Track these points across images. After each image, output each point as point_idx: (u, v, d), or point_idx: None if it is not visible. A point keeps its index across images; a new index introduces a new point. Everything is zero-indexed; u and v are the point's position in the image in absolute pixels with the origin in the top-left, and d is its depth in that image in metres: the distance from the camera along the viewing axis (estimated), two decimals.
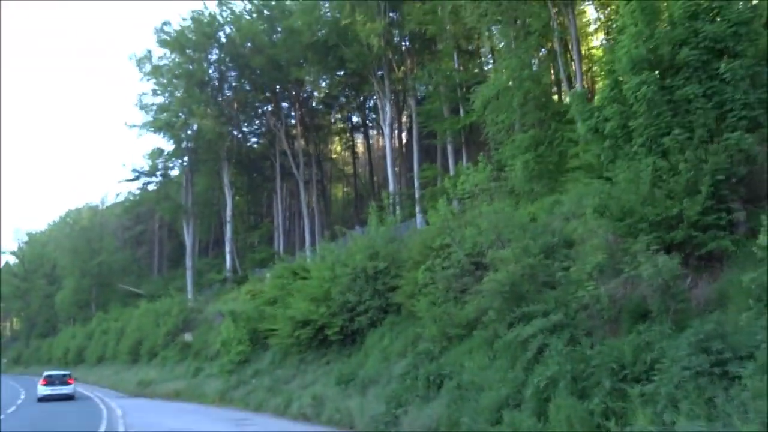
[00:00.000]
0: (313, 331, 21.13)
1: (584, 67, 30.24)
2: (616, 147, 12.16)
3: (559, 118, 27.66)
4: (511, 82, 26.54)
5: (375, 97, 49.09)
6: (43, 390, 30.01)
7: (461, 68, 36.92)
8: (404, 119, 51.58)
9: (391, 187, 42.11)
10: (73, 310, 72.87)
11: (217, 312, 35.18)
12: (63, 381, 30.85)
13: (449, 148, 37.64)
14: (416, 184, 39.73)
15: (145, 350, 38.82)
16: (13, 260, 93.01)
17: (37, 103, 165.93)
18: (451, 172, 35.86)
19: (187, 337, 35.15)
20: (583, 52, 30.72)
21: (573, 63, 27.48)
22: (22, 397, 31.62)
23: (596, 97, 13.90)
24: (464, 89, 37.21)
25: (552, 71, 30.67)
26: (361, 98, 55.88)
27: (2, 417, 21.35)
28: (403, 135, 51.78)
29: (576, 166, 18.17)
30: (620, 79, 12.14)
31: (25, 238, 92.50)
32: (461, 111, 34.96)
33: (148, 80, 55.55)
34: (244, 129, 62.94)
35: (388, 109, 42.59)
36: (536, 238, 14.12)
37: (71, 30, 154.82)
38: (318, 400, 15.90)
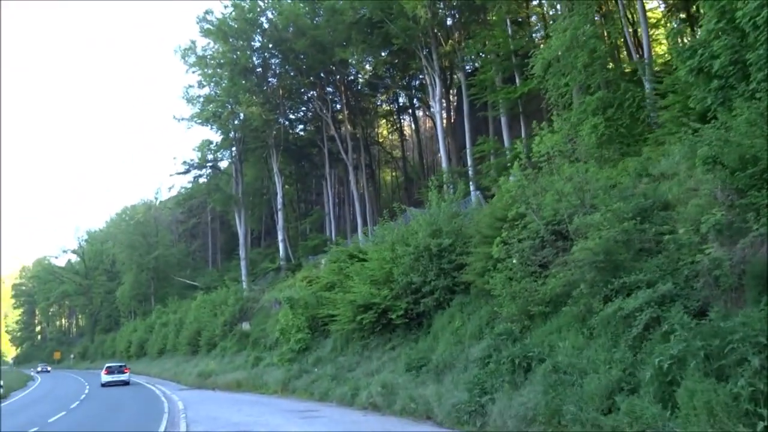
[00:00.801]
0: (375, 315, 19.92)
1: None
2: (727, 87, 10.37)
3: (628, 78, 25.63)
4: (573, 42, 24.55)
5: (421, 76, 47.58)
6: (105, 378, 36.33)
7: (514, 37, 34.85)
8: (452, 97, 49.76)
9: (443, 164, 40.57)
10: (133, 304, 74.41)
11: (274, 300, 34.50)
12: (120, 370, 37.11)
13: (503, 121, 35.75)
14: (469, 161, 38.06)
15: (204, 341, 38.62)
16: (75, 258, 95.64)
17: (90, 103, 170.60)
18: (506, 145, 34.16)
19: (245, 326, 34.62)
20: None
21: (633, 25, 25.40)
22: (86, 391, 31.91)
23: (699, 32, 12.05)
24: (519, 56, 35.31)
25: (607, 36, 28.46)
26: (407, 78, 54.33)
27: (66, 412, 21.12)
28: (451, 113, 49.93)
29: (667, 118, 16.24)
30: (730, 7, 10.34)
31: (85, 237, 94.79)
32: (517, 80, 33.05)
33: (193, 72, 55.55)
34: (291, 116, 62.41)
35: (437, 83, 40.92)
36: (626, 201, 12.47)
37: (120, 26, 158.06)
38: (388, 388, 14.65)
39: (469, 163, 38.30)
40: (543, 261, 13.80)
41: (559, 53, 25.12)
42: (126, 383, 35.68)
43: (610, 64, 27.11)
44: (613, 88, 24.67)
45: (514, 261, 14.10)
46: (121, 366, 38.16)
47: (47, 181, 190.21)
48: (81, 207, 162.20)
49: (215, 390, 27.81)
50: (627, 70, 27.43)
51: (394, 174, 73.89)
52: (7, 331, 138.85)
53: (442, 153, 41.19)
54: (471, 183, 35.84)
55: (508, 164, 26.39)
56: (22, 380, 51.18)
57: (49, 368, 73.27)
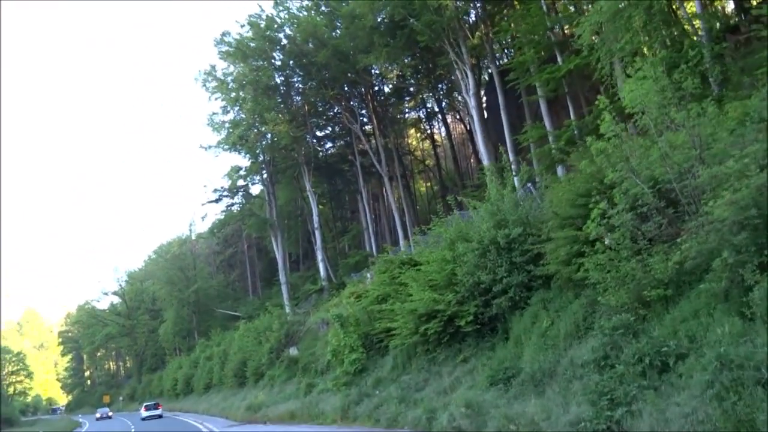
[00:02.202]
0: (441, 324, 17.36)
1: None
2: None
3: (694, 33, 22.84)
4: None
5: (452, 77, 45.33)
6: (144, 413, 46.73)
7: (549, 14, 32.26)
8: (482, 92, 47.28)
9: (485, 161, 37.98)
10: (177, 340, 73.11)
11: (321, 321, 32.16)
12: (155, 407, 47.87)
13: (543, 108, 33.06)
14: (511, 156, 35.36)
15: (250, 371, 36.39)
16: (116, 300, 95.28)
17: (117, 147, 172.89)
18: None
19: (293, 351, 32.29)
20: None
21: None
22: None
23: None
24: (557, 35, 32.77)
25: None
26: (434, 80, 52.13)
27: None
28: (484, 111, 47.37)
29: None
30: None
31: (125, 278, 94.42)
32: (559, 59, 30.40)
33: (215, 99, 54.39)
34: (318, 134, 60.82)
35: (470, 76, 38.52)
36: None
37: (137, 58, 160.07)
38: (474, 408, 12.02)
39: (511, 158, 35.61)
40: (653, 234, 11.15)
41: (612, 13, 22.52)
42: (160, 416, 45.48)
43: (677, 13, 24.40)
44: (676, 47, 22.00)
45: (615, 238, 11.46)
46: (155, 403, 49.01)
47: (86, 226, 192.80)
48: (120, 249, 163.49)
49: (266, 424, 25.42)
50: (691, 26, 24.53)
51: (428, 184, 71.66)
52: (57, 379, 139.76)
53: (482, 149, 38.63)
54: (515, 178, 33.18)
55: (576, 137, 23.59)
56: (70, 426, 53.91)
57: (110, 413, 64.48)
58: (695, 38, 22.09)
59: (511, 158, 35.40)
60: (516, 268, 16.18)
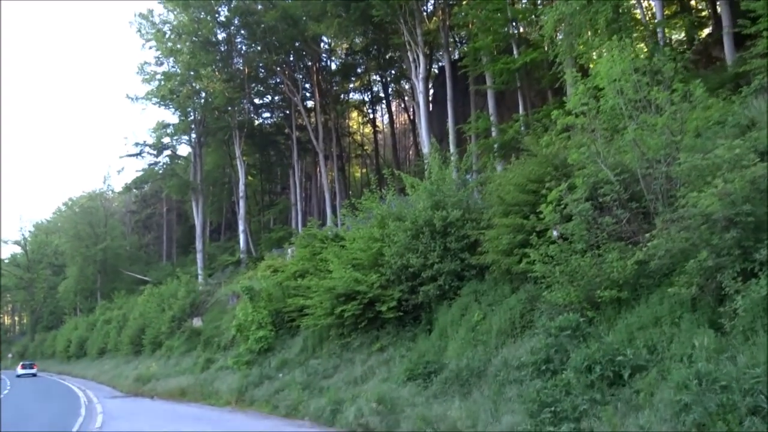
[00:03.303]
0: (360, 307, 15.65)
1: None
2: None
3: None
4: None
5: (402, 63, 43.65)
6: (20, 371, 50.01)
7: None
8: (429, 85, 45.93)
9: (425, 149, 36.58)
10: (78, 300, 68.41)
11: (231, 293, 29.78)
12: (30, 366, 51.27)
13: (490, 103, 31.97)
14: (452, 148, 34.02)
15: (148, 339, 33.45)
16: (18, 251, 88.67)
17: (37, 85, 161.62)
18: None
19: (196, 322, 29.79)
20: None
21: None
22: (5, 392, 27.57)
23: None
24: (517, 26, 31.72)
25: None
26: (383, 62, 50.29)
27: None
28: (429, 103, 46.04)
29: None
30: None
31: (30, 228, 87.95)
32: (515, 52, 29.25)
33: (150, 48, 50.56)
34: (256, 101, 57.85)
35: (422, 60, 36.95)
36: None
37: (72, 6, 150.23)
38: (387, 404, 10.37)
39: (452, 149, 34.33)
40: (611, 229, 9.80)
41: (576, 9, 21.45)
42: (34, 375, 48.39)
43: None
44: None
45: (569, 228, 10.05)
46: (31, 364, 52.66)
47: None
48: (29, 197, 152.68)
49: (154, 398, 22.95)
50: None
51: (364, 170, 70.05)
52: None
53: (424, 137, 37.16)
54: (454, 169, 31.90)
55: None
56: None
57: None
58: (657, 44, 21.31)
59: (452, 150, 34.22)
60: (450, 254, 14.68)
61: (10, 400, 25.50)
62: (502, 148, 25.64)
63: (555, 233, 11.45)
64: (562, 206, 10.25)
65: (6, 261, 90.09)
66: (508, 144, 26.20)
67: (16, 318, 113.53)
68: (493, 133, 29.94)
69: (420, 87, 37.85)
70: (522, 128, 26.80)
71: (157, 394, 23.09)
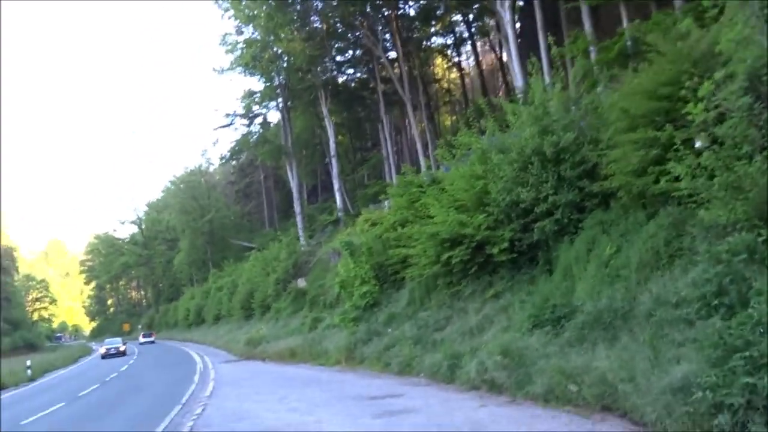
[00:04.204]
0: (468, 252, 14.22)
1: None
2: None
3: None
4: None
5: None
6: (142, 340, 60.22)
7: None
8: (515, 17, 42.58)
9: (518, 81, 34.05)
10: (192, 271, 71.85)
11: (332, 251, 29.33)
12: (149, 335, 61.31)
13: (586, 23, 28.82)
14: (546, 78, 31.21)
15: (257, 304, 34.02)
16: (134, 229, 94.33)
17: (142, 79, 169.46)
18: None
19: (300, 282, 29.70)
20: None
21: None
22: (131, 362, 31.99)
23: None
24: None
25: None
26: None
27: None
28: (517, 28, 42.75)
29: None
30: None
31: (144, 208, 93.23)
32: None
33: (229, 18, 50.59)
34: (338, 58, 56.77)
35: None
36: None
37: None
38: (514, 356, 9.00)
39: (547, 80, 31.55)
40: None
41: None
42: (153, 342, 57.32)
43: None
44: None
45: (728, 128, 8.03)
46: (150, 333, 62.96)
47: (111, 155, 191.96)
48: (141, 179, 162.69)
49: (265, 361, 22.95)
50: None
51: (453, 117, 67.71)
52: (83, 306, 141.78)
53: (516, 68, 34.53)
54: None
55: None
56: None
57: (122, 347, 47.00)
58: None
59: (547, 79, 31.47)
60: (565, 183, 12.83)
61: (134, 368, 26.80)
62: (611, 65, 22.80)
63: (698, 143, 9.44)
64: (714, 104, 8.21)
65: (126, 240, 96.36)
66: (615, 61, 23.45)
67: (142, 292, 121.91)
68: (592, 56, 27.16)
69: (507, 16, 34.96)
70: (628, 43, 23.96)
71: (268, 357, 23.11)
